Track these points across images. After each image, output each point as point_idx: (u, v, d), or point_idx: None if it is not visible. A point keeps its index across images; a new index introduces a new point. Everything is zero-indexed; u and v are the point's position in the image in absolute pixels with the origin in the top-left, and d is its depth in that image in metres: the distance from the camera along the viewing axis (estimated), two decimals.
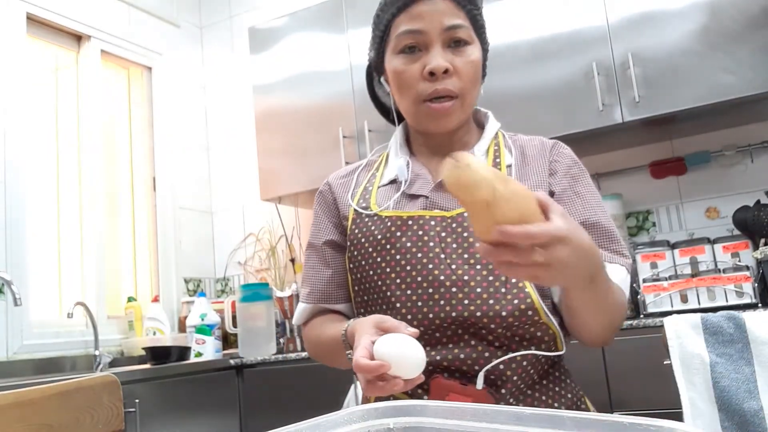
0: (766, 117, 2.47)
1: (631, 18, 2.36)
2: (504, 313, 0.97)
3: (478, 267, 1.00)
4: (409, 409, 0.60)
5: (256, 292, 2.84)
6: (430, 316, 0.99)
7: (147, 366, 2.61)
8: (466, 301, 0.98)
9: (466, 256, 1.01)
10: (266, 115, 3.10)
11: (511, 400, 0.99)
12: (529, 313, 0.98)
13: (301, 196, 3.04)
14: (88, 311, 2.81)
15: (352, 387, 2.36)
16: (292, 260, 3.32)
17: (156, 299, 3.20)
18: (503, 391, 0.98)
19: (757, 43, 2.17)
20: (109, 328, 3.02)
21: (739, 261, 2.20)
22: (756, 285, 2.05)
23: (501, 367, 0.97)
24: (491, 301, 0.98)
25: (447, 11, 1.04)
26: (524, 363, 0.99)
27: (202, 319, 2.92)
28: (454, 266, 1.00)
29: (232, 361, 2.66)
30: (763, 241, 2.24)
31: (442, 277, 0.99)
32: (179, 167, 3.51)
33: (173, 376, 2.40)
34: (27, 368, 2.61)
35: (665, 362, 1.79)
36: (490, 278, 0.99)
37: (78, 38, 3.18)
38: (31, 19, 2.92)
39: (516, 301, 0.98)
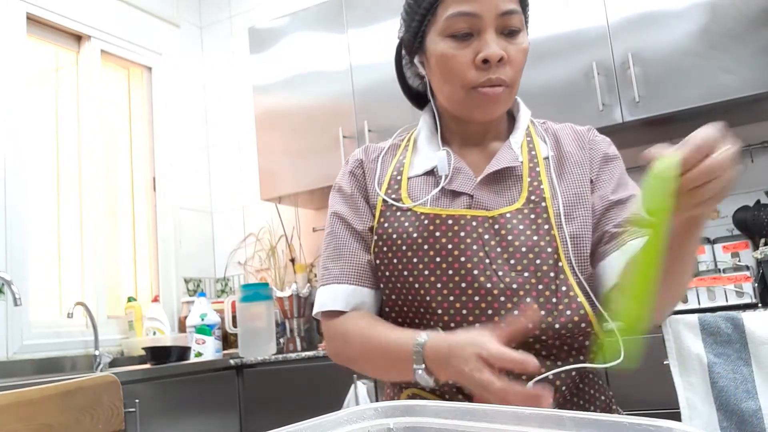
0: (766, 117, 2.47)
1: (631, 18, 2.36)
2: (557, 326, 0.92)
3: (526, 274, 0.94)
4: (409, 409, 0.60)
5: (256, 292, 2.84)
6: (476, 325, 0.93)
7: (147, 366, 2.61)
8: (515, 312, 0.92)
9: (512, 261, 0.95)
10: (266, 115, 3.10)
11: (556, 408, 0.94)
12: (582, 325, 0.94)
13: (301, 196, 3.04)
14: (88, 311, 2.81)
15: (352, 387, 2.36)
16: (292, 260, 3.32)
17: (156, 299, 3.20)
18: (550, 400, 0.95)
19: (757, 43, 2.17)
20: (109, 328, 3.02)
21: (739, 261, 2.21)
22: (756, 285, 2.05)
23: (550, 377, 0.93)
24: (543, 313, 0.92)
25: None
26: (573, 373, 0.96)
27: (202, 319, 2.92)
28: (500, 273, 0.94)
29: (232, 361, 2.66)
30: (763, 241, 2.24)
31: (488, 285, 0.93)
32: (179, 167, 3.51)
33: (173, 376, 2.40)
34: (27, 368, 2.61)
35: (665, 362, 1.79)
36: (540, 287, 0.93)
37: (78, 38, 3.18)
38: (31, 19, 2.92)
39: (569, 313, 0.93)
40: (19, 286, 2.51)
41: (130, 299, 3.15)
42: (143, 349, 2.81)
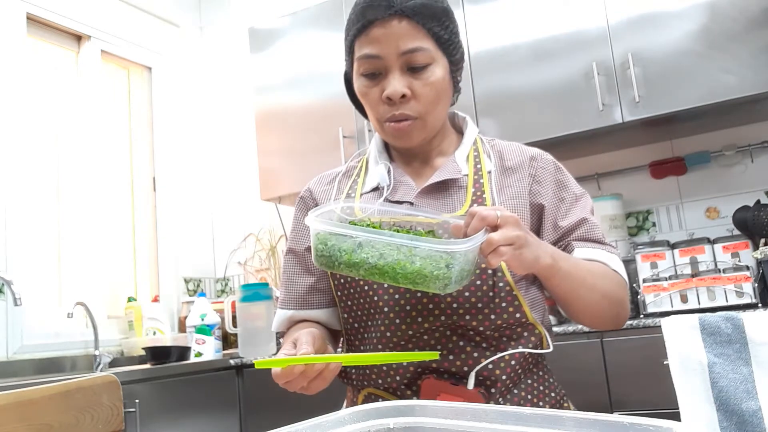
0: (766, 117, 2.47)
1: (631, 18, 2.36)
2: (493, 316, 1.00)
3: None
4: (409, 409, 0.60)
5: (256, 292, 2.83)
6: (419, 320, 1.00)
7: (147, 366, 2.61)
8: (455, 305, 0.99)
9: None
10: (266, 115, 3.10)
11: (500, 400, 1.02)
12: (517, 315, 1.02)
13: None
14: (88, 311, 2.81)
15: None
16: None
17: (156, 299, 3.20)
18: (493, 390, 1.01)
19: (757, 43, 2.17)
20: (109, 328, 3.02)
21: (739, 261, 2.20)
22: (756, 285, 2.05)
23: (490, 366, 1.00)
24: (480, 305, 1.00)
25: (404, 33, 1.02)
26: (512, 362, 1.02)
27: (202, 319, 2.92)
28: None
29: (232, 361, 2.66)
30: (763, 241, 2.24)
31: None
32: (179, 167, 3.51)
33: (173, 376, 2.40)
34: (27, 368, 2.61)
35: (665, 362, 1.79)
36: (478, 282, 1.00)
37: (78, 38, 3.18)
38: (31, 19, 2.92)
39: (504, 305, 1.01)
40: (19, 286, 2.51)
41: (130, 299, 3.15)
42: (143, 349, 2.80)
